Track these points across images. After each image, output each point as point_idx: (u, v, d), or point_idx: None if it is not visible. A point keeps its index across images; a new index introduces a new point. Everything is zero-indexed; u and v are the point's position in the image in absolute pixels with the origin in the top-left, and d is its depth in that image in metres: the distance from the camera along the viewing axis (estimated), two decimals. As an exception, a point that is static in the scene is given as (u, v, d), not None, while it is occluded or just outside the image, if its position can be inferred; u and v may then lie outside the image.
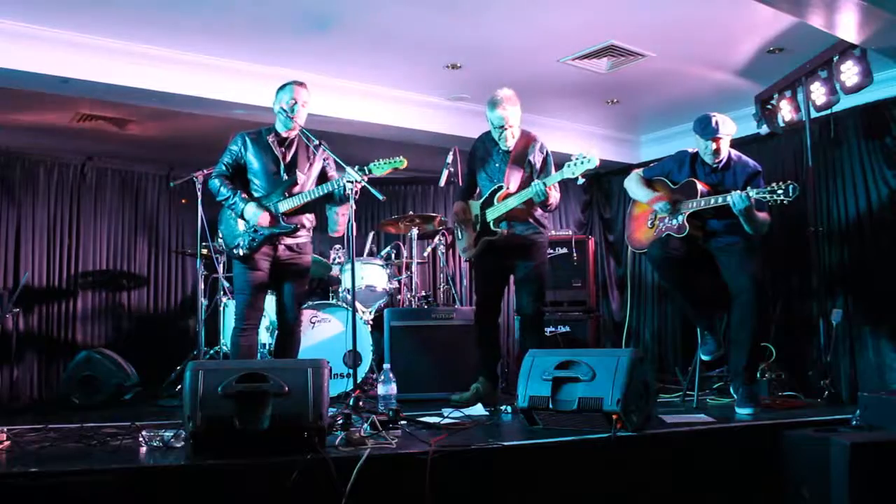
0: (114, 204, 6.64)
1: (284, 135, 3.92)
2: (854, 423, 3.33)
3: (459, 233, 4.42)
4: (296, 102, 3.84)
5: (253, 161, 3.88)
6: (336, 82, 5.45)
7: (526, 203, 4.06)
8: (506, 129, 4.11)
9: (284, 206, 3.83)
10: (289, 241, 3.90)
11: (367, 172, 3.77)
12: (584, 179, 4.02)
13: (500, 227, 4.12)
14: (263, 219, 3.78)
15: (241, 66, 5.07)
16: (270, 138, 3.90)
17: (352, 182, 3.73)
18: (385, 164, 3.82)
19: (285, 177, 3.87)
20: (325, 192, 3.83)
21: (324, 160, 4.01)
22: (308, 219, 3.98)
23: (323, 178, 4.00)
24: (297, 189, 3.86)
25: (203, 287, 5.51)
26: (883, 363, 4.95)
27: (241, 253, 3.83)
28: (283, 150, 3.91)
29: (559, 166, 4.15)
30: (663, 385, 4.99)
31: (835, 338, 4.80)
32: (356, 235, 4.10)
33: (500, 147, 4.19)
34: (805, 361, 5.13)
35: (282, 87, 3.92)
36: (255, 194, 3.89)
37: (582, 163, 3.81)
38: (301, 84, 3.90)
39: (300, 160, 3.91)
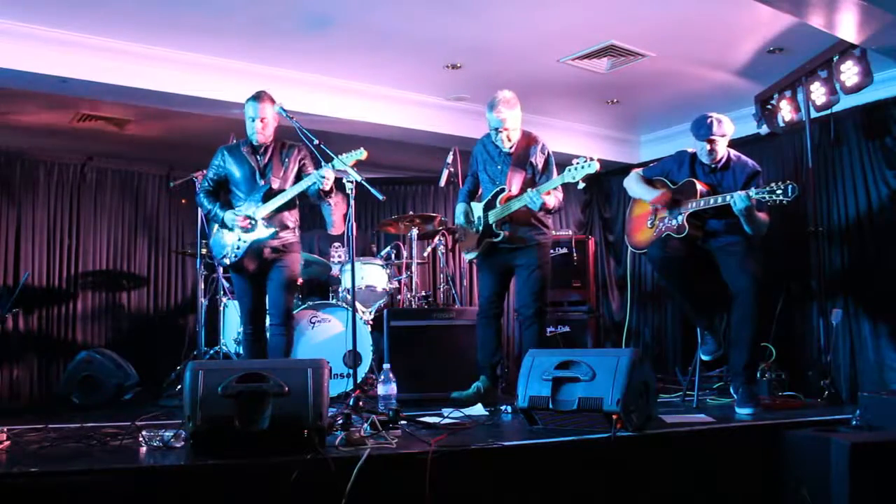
0: (114, 204, 6.63)
1: (258, 143, 4.08)
2: (854, 423, 3.33)
3: (462, 234, 4.43)
4: (254, 119, 4.01)
5: (234, 171, 4.10)
6: (336, 82, 5.45)
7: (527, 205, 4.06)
8: (502, 131, 4.11)
9: (262, 212, 4.01)
10: (274, 242, 4.05)
11: (333, 168, 3.92)
12: (584, 184, 4.03)
13: (502, 228, 4.13)
14: (241, 221, 3.99)
15: (241, 66, 5.07)
16: (245, 149, 4.11)
17: (321, 179, 3.90)
18: (348, 156, 3.94)
19: (261, 183, 4.05)
20: (298, 191, 4.02)
21: (300, 161, 4.15)
22: (290, 219, 4.12)
23: (299, 179, 4.12)
24: (273, 193, 4.02)
25: (203, 287, 5.51)
26: (883, 363, 4.95)
27: (228, 262, 4.06)
28: (258, 157, 4.10)
29: (560, 167, 4.15)
30: (663, 385, 4.99)
31: (835, 338, 4.80)
32: (356, 234, 4.14)
33: (502, 149, 4.20)
34: (805, 361, 5.14)
35: (246, 101, 4.06)
36: (237, 203, 4.09)
37: (582, 167, 3.82)
38: (261, 99, 4.02)
39: (274, 166, 4.08)
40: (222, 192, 4.18)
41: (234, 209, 4.04)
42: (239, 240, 4.02)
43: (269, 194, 4.02)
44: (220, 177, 4.13)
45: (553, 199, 4.05)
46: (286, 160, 4.11)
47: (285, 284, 4.06)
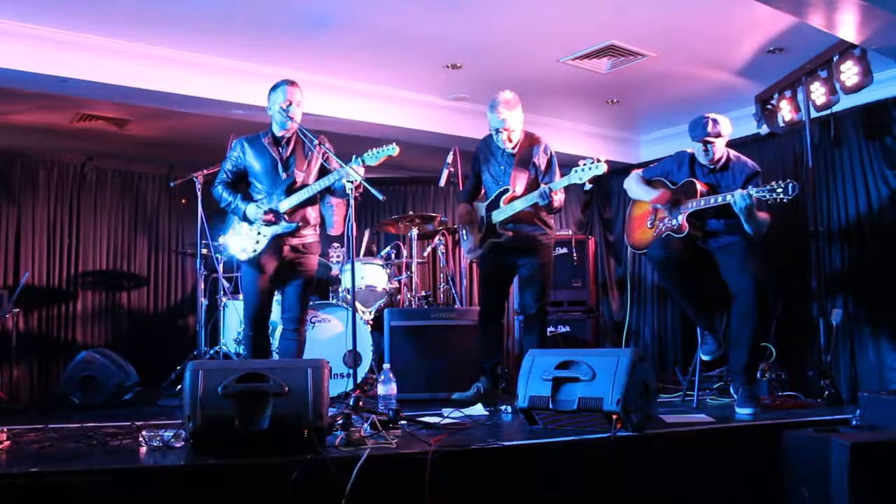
0: (114, 204, 6.64)
1: (280, 135, 3.92)
2: (854, 423, 3.33)
3: (465, 234, 4.42)
4: (290, 103, 3.83)
5: (253, 164, 3.90)
6: (336, 82, 5.45)
7: (532, 205, 4.06)
8: (502, 131, 4.11)
9: (285, 205, 3.83)
10: (294, 241, 3.89)
11: (361, 164, 3.75)
12: (591, 185, 4.01)
13: (506, 229, 4.12)
14: (265, 215, 3.80)
15: (241, 66, 5.07)
16: (266, 140, 3.91)
17: (351, 179, 3.69)
18: (379, 152, 3.79)
19: (284, 176, 3.87)
20: (324, 186, 3.82)
21: (322, 156, 3.97)
22: (312, 215, 3.97)
23: (323, 173, 3.96)
24: (296, 187, 3.86)
25: (203, 287, 5.50)
26: (883, 363, 4.95)
27: (248, 257, 3.84)
28: (280, 150, 3.92)
29: (561, 167, 4.15)
30: (663, 385, 4.99)
31: (835, 338, 4.80)
32: (356, 234, 4.11)
33: (504, 149, 4.19)
34: (805, 361, 5.13)
35: (274, 88, 3.90)
36: (257, 196, 3.91)
37: (590, 168, 3.81)
38: (293, 83, 3.88)
39: (297, 158, 3.91)
40: (241, 185, 3.96)
41: (257, 203, 3.84)
42: (259, 234, 3.82)
43: (293, 188, 3.84)
44: (238, 168, 3.92)
45: (556, 200, 4.04)
46: (309, 153, 3.94)
47: (303, 290, 3.94)
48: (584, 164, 3.82)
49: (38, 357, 6.08)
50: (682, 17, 4.44)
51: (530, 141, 4.21)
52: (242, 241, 3.88)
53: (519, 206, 4.07)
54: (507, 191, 4.13)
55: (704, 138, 3.90)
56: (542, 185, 3.97)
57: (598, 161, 3.80)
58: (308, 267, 3.97)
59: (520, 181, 4.13)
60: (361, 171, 3.71)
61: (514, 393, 3.27)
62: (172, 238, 6.89)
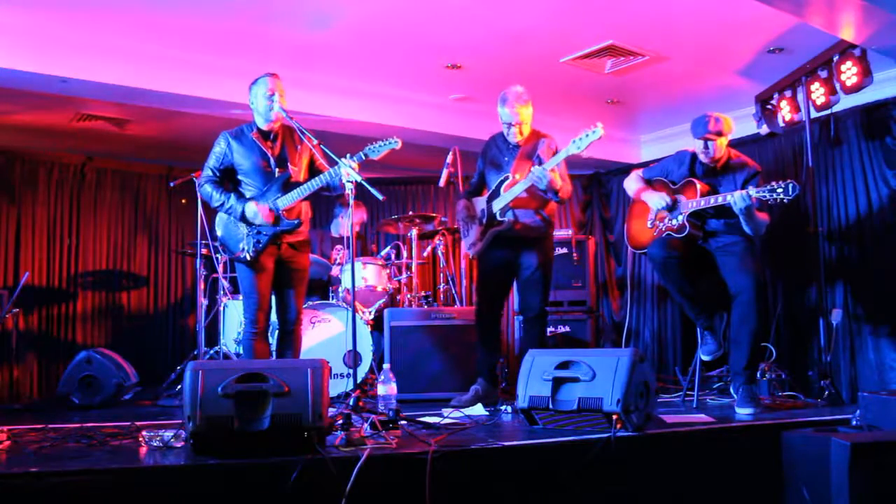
0: (114, 204, 6.64)
1: (266, 129, 3.83)
2: (854, 423, 3.33)
3: (465, 229, 4.40)
4: (273, 93, 3.76)
5: (242, 161, 3.81)
6: (336, 82, 5.45)
7: (530, 192, 4.04)
8: (514, 126, 4.12)
9: (284, 202, 3.77)
10: (291, 238, 3.85)
11: (363, 159, 3.71)
12: (587, 154, 3.99)
13: (506, 216, 4.10)
14: (266, 215, 3.74)
15: (241, 66, 5.06)
16: (254, 135, 3.82)
17: (350, 172, 3.63)
18: (381, 146, 3.74)
19: (278, 172, 3.80)
20: (322, 183, 3.76)
21: (309, 148, 3.90)
22: (306, 211, 3.94)
23: (311, 167, 3.94)
24: (292, 182, 3.80)
25: (203, 287, 5.50)
26: (883, 363, 4.95)
27: (249, 257, 3.76)
28: (270, 144, 3.83)
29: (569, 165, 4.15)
30: (663, 385, 4.99)
31: (835, 338, 4.80)
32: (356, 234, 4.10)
33: (511, 143, 4.21)
34: (805, 361, 5.13)
35: (255, 82, 3.83)
36: (248, 194, 3.82)
37: (587, 136, 3.82)
38: (274, 75, 3.83)
39: (289, 153, 3.85)
40: (228, 182, 3.85)
41: (255, 200, 3.74)
42: (259, 233, 3.74)
43: (289, 184, 3.77)
44: (225, 166, 3.81)
45: (560, 181, 4.00)
46: (298, 146, 3.88)
47: (300, 288, 3.92)
48: (583, 134, 3.83)
49: (38, 357, 6.08)
50: (682, 17, 4.43)
51: (537, 136, 4.22)
52: (242, 240, 3.79)
53: (518, 188, 4.05)
54: (507, 178, 4.13)
55: (705, 135, 3.91)
56: (535, 167, 3.96)
57: (595, 127, 3.80)
58: (304, 265, 3.95)
59: (521, 171, 4.12)
60: (356, 167, 3.65)
61: (513, 393, 3.27)
62: (172, 238, 6.89)
